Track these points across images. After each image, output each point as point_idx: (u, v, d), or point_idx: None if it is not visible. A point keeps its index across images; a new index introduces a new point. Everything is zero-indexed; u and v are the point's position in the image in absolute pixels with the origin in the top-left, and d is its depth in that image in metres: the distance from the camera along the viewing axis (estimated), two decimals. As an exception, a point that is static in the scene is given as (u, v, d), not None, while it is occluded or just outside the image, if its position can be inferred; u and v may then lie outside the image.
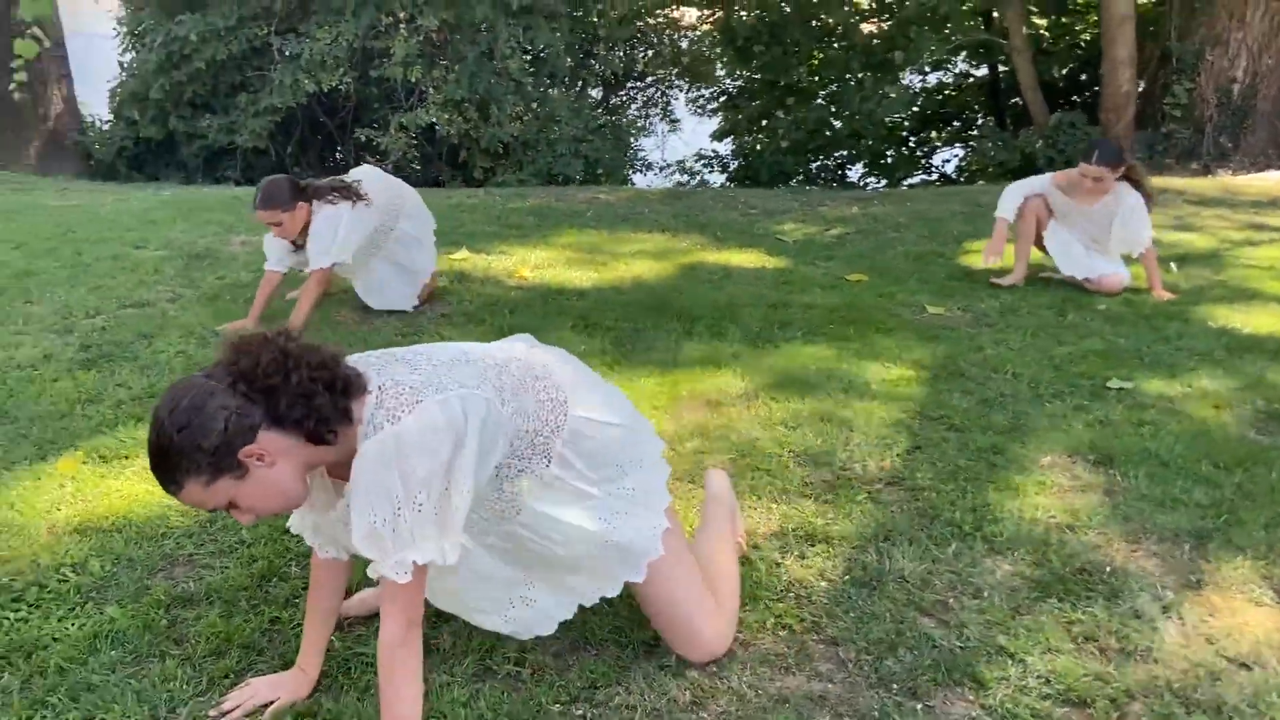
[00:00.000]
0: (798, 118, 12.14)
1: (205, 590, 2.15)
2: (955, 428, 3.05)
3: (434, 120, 9.10)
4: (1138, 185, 4.51)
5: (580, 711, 1.81)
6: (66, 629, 2.01)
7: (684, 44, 12.87)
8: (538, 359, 1.85)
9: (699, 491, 2.50)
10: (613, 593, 1.88)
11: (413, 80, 8.97)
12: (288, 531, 2.02)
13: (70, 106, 9.87)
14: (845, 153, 12.76)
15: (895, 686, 1.89)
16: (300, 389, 1.54)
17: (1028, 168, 9.19)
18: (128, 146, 9.79)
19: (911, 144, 13.27)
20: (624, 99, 12.94)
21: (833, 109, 12.41)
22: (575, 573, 1.85)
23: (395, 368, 1.66)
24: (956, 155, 12.83)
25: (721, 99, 13.68)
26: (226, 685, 1.86)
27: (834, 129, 12.32)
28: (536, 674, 1.90)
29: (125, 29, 9.84)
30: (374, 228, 3.97)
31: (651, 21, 12.20)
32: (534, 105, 9.65)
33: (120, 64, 9.99)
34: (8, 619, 2.04)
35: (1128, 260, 4.65)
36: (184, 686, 1.85)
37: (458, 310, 4.25)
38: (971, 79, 13.33)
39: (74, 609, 2.08)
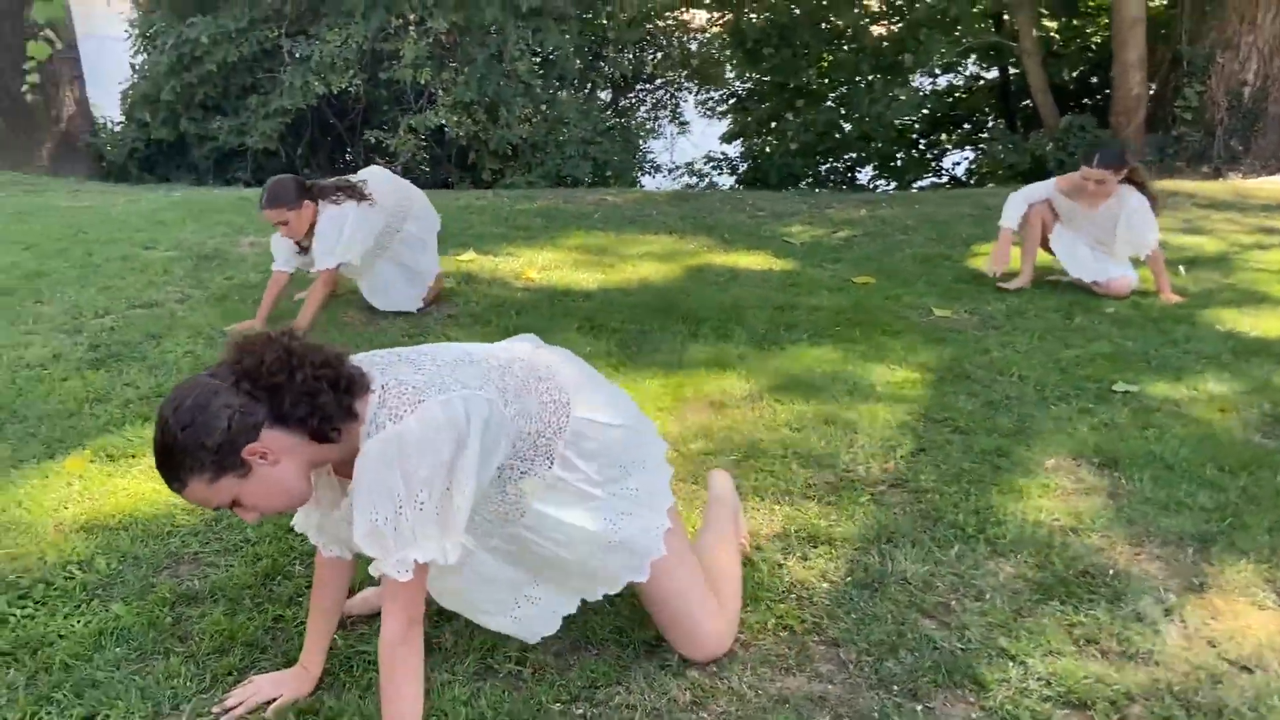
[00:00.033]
0: (807, 120, 12.13)
1: (210, 588, 2.17)
2: (960, 430, 3.05)
3: (443, 122, 9.12)
4: (1141, 187, 4.49)
5: (581, 710, 1.82)
6: (72, 626, 2.03)
7: (693, 46, 12.86)
8: (541, 359, 1.86)
9: (702, 492, 2.51)
10: (615, 590, 1.89)
11: (422, 82, 9.00)
12: (292, 530, 2.03)
13: (82, 108, 9.92)
14: (855, 155, 12.74)
15: (896, 688, 1.89)
16: (304, 387, 1.56)
17: (1038, 170, 9.17)
18: (139, 148, 9.84)
19: (921, 147, 13.24)
20: (633, 101, 12.94)
21: (842, 111, 12.39)
22: (579, 575, 1.86)
23: (399, 367, 1.67)
24: (966, 158, 12.81)
25: (731, 101, 13.68)
26: (230, 682, 1.87)
27: (843, 131, 12.30)
28: (537, 673, 1.91)
29: (137, 31, 9.91)
30: (380, 229, 3.99)
31: (661, 24, 12.19)
32: (543, 107, 9.66)
33: (132, 66, 10.04)
34: (14, 615, 2.06)
35: (1136, 263, 4.64)
36: (187, 683, 1.86)
37: (464, 311, 4.27)
38: (982, 82, 13.30)
39: (80, 606, 2.10)
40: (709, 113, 13.70)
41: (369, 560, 1.60)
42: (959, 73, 13.29)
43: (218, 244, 5.28)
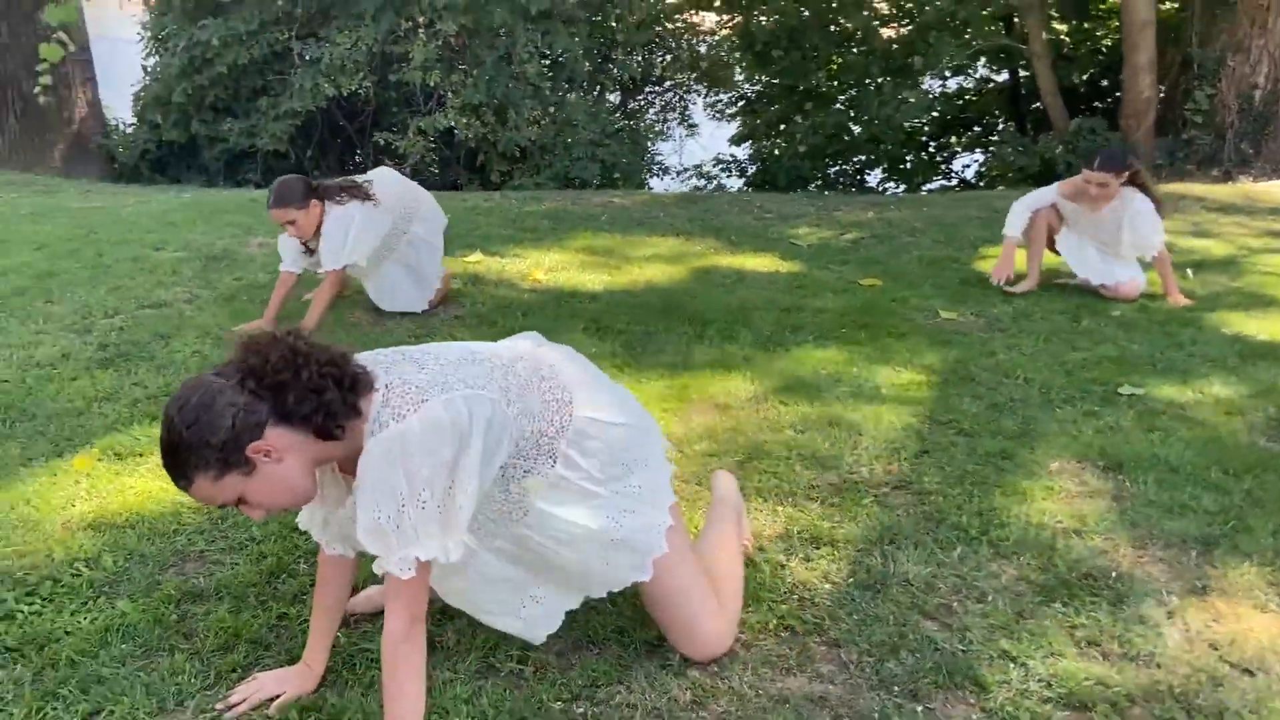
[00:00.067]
0: (816, 122, 12.11)
1: (215, 586, 2.18)
2: (964, 432, 3.05)
3: (452, 124, 9.14)
4: (1145, 190, 4.48)
5: (581, 709, 1.83)
6: (78, 622, 2.05)
7: (702, 48, 12.85)
8: (544, 358, 1.87)
9: (706, 493, 2.51)
10: (619, 588, 1.90)
11: (431, 84, 9.02)
12: (297, 529, 2.05)
13: (95, 110, 9.98)
14: (864, 158, 12.71)
15: (896, 688, 1.89)
16: (309, 385, 1.57)
17: (1048, 173, 9.14)
18: (150, 150, 9.90)
19: (931, 149, 13.21)
20: (642, 103, 12.95)
21: (851, 114, 12.37)
22: (582, 574, 1.87)
23: (403, 366, 1.68)
24: (976, 161, 12.76)
25: (739, 103, 13.66)
26: (234, 679, 1.89)
27: (853, 134, 12.28)
28: (539, 672, 1.92)
29: (149, 34, 9.97)
30: (387, 230, 4.01)
31: (670, 26, 12.19)
32: (551, 109, 9.68)
33: (144, 68, 10.11)
34: (21, 612, 2.08)
35: (1144, 266, 4.63)
36: (192, 680, 1.88)
37: (470, 312, 4.28)
38: (992, 84, 13.26)
39: (86, 603, 2.12)
40: (718, 115, 13.69)
41: (372, 559, 1.62)
42: (969, 75, 13.25)
43: (226, 245, 5.31)
